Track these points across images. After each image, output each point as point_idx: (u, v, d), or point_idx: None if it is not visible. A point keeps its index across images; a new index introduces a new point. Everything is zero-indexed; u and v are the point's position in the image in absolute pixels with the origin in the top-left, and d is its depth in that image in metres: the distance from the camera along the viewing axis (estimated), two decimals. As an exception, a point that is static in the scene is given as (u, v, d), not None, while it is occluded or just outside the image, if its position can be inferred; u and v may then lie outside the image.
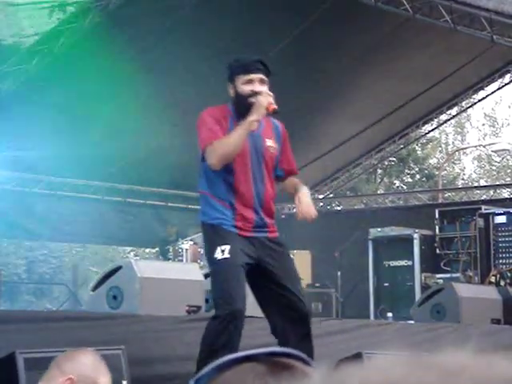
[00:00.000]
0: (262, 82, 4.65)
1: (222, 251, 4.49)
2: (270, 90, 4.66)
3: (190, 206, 14.50)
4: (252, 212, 4.64)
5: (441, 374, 0.58)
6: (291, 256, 4.90)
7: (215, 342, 4.42)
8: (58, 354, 4.06)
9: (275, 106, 4.58)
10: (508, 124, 33.75)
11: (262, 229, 4.67)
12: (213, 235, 4.61)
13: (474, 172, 32.50)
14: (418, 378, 0.58)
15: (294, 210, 4.67)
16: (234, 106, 4.70)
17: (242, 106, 4.59)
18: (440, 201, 17.17)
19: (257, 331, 5.85)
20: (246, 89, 4.61)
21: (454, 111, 15.62)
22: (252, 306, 4.91)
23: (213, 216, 4.63)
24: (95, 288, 6.35)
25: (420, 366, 0.59)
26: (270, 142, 4.78)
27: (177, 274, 6.51)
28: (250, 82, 4.62)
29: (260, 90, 4.59)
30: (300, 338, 4.56)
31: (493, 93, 15.08)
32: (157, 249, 13.52)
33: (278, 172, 4.88)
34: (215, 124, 4.62)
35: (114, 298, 6.19)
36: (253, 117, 4.52)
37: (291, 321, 4.57)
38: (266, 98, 4.55)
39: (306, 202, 4.67)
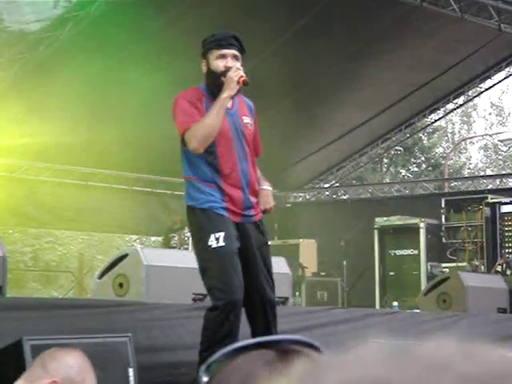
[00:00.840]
0: (235, 57, 4.56)
1: (217, 239, 4.41)
2: (244, 67, 4.59)
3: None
4: (240, 191, 4.56)
5: (425, 370, 0.56)
6: (269, 244, 4.83)
7: (216, 333, 4.39)
8: (63, 344, 4.07)
9: (245, 78, 4.49)
10: (515, 113, 33.66)
11: (249, 211, 4.61)
12: (205, 221, 4.49)
13: (481, 161, 32.45)
14: (401, 373, 0.57)
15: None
16: (206, 84, 4.61)
17: (215, 84, 4.51)
18: (446, 190, 17.15)
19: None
20: (219, 65, 4.52)
21: (460, 100, 15.59)
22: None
23: (202, 200, 4.52)
24: (101, 276, 6.36)
25: (404, 360, 0.58)
26: (246, 119, 4.70)
27: (183, 261, 6.51)
28: (223, 57, 4.54)
29: (233, 65, 4.51)
30: (264, 324, 4.56)
31: (500, 82, 15.03)
32: (162, 237, 13.53)
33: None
34: (190, 107, 4.53)
35: (120, 285, 6.20)
36: (225, 93, 4.45)
37: (259, 305, 4.56)
38: (235, 73, 4.47)
39: (264, 203, 4.67)
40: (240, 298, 4.41)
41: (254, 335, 4.52)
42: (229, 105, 4.59)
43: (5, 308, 5.08)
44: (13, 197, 12.65)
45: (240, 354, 0.93)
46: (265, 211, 4.68)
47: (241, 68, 4.52)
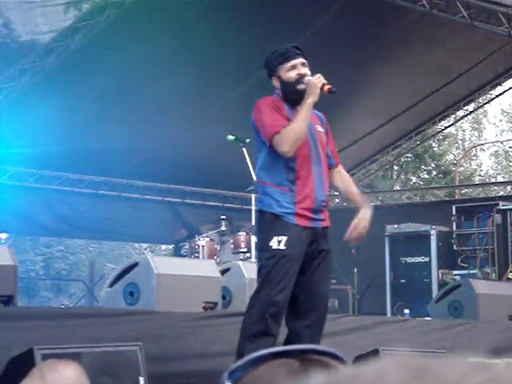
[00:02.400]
0: (303, 65, 4.72)
1: (279, 241, 4.51)
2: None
3: (206, 203, 14.52)
4: (313, 194, 4.65)
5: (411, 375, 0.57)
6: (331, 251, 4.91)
7: (250, 330, 4.46)
8: (78, 347, 4.09)
9: (330, 86, 4.66)
10: (525, 120, 33.59)
11: (319, 215, 4.70)
12: (270, 223, 4.60)
13: (491, 168, 32.36)
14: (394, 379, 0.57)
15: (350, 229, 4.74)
16: (283, 96, 4.72)
17: (292, 93, 4.65)
18: (457, 197, 17.11)
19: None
20: (292, 75, 4.66)
21: (470, 107, 15.56)
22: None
23: (272, 204, 4.62)
24: (112, 284, 6.36)
25: (418, 376, 0.58)
26: (319, 127, 4.84)
27: (193, 270, 6.51)
28: (294, 67, 4.69)
29: (305, 72, 4.67)
30: (310, 332, 4.57)
31: (510, 88, 15.00)
32: (173, 245, 13.54)
33: (329, 160, 4.93)
34: (274, 111, 4.65)
35: (131, 294, 6.20)
36: (310, 98, 4.58)
37: (308, 313, 4.58)
38: (318, 79, 4.62)
39: (361, 230, 4.83)
40: (281, 300, 4.46)
41: (290, 342, 4.53)
42: None
43: (16, 317, 5.10)
44: (24, 205, 12.69)
45: (264, 362, 0.93)
46: (349, 238, 4.69)
47: (322, 76, 4.66)
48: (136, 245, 26.40)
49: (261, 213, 4.70)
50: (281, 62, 4.71)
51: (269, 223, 4.60)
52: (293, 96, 4.64)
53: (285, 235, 4.51)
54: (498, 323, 8.11)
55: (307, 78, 4.62)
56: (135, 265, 6.30)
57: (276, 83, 4.73)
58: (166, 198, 14.31)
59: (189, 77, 11.52)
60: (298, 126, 4.55)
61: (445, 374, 0.58)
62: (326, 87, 4.63)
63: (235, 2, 10.64)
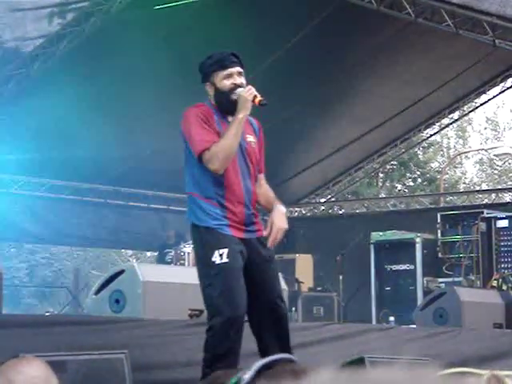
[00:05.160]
0: (240, 74, 4.60)
1: (221, 255, 4.43)
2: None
3: (191, 210, 14.50)
4: (243, 207, 4.58)
5: None
6: (275, 260, 4.83)
7: (218, 349, 4.39)
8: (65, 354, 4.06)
9: (261, 98, 4.53)
10: (510, 128, 33.76)
11: (252, 227, 4.62)
12: (208, 238, 4.51)
13: (476, 176, 32.50)
14: None
15: (277, 226, 4.56)
16: (216, 104, 4.61)
17: (226, 102, 4.53)
18: (442, 205, 17.18)
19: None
20: (227, 83, 4.55)
21: (455, 115, 15.63)
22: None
23: (205, 218, 4.54)
24: (98, 292, 6.35)
25: (354, 381, 0.60)
26: (250, 138, 4.72)
27: (179, 277, 6.50)
28: (229, 76, 4.57)
29: (240, 82, 4.55)
30: (277, 339, 4.56)
31: (495, 97, 15.08)
32: (157, 252, 13.53)
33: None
34: (204, 125, 4.54)
35: (117, 301, 6.19)
36: (241, 113, 4.47)
37: (269, 321, 4.56)
38: (248, 92, 4.50)
39: (278, 228, 4.55)
40: (241, 314, 4.40)
41: (263, 352, 4.49)
42: None
43: (0, 325, 5.07)
44: (9, 212, 12.65)
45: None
46: (271, 233, 4.53)
47: (253, 88, 4.54)
48: (121, 252, 26.33)
49: (195, 227, 4.60)
50: (216, 69, 4.60)
51: (206, 238, 4.53)
52: (226, 105, 4.54)
53: (225, 247, 4.44)
54: (483, 331, 8.13)
55: (239, 90, 4.51)
56: (121, 272, 6.29)
57: (209, 90, 4.63)
58: (151, 205, 14.30)
59: (175, 83, 11.51)
60: (229, 144, 4.45)
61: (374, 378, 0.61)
62: (257, 100, 4.51)
63: (223, 6, 10.64)
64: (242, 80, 4.57)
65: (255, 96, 4.52)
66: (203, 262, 4.53)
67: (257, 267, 4.57)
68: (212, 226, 4.51)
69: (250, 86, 4.54)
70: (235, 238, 4.52)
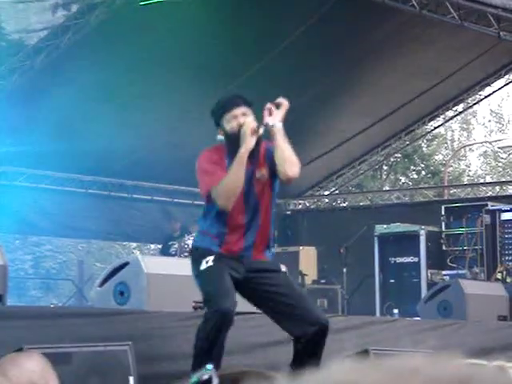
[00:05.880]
0: (244, 114, 4.73)
1: (207, 262, 4.64)
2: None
3: (195, 202, 14.51)
4: (242, 241, 4.75)
5: (394, 375, 0.60)
6: (285, 271, 4.94)
7: (204, 343, 4.53)
8: (63, 349, 4.08)
9: (254, 126, 4.66)
10: (514, 120, 33.69)
11: (249, 252, 4.78)
12: (198, 255, 4.76)
13: (480, 168, 32.45)
14: (371, 379, 0.60)
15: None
16: (227, 147, 4.78)
17: (234, 143, 4.68)
18: (446, 197, 17.16)
19: (250, 329, 5.87)
20: (233, 125, 4.71)
21: (460, 108, 15.61)
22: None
23: (200, 243, 4.82)
24: (102, 284, 6.35)
25: (374, 368, 0.61)
26: (260, 173, 4.83)
27: (183, 270, 6.50)
28: (235, 117, 4.72)
29: (242, 120, 4.68)
30: (312, 349, 4.63)
31: (499, 89, 15.06)
32: (161, 244, 13.53)
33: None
34: (214, 166, 4.72)
35: (121, 293, 6.19)
36: (242, 148, 4.62)
37: (308, 334, 4.64)
38: (247, 126, 4.65)
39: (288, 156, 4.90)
40: (228, 307, 4.50)
41: (301, 363, 4.59)
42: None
43: (5, 317, 5.09)
44: (13, 205, 12.66)
45: None
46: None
47: (251, 120, 4.68)
48: (125, 244, 26.37)
49: (193, 250, 4.92)
50: (223, 113, 4.78)
51: (195, 256, 4.79)
52: (234, 146, 4.67)
53: (211, 255, 4.67)
54: (487, 323, 8.13)
55: (242, 129, 4.67)
56: (125, 264, 6.29)
57: (221, 134, 4.81)
58: (155, 198, 14.30)
59: (178, 76, 11.51)
60: (231, 180, 4.63)
61: (396, 361, 0.62)
62: (253, 130, 4.66)
63: (224, 1, 10.63)
64: (248, 119, 4.70)
65: (253, 129, 4.65)
66: (195, 276, 4.77)
67: (261, 282, 4.71)
68: (203, 246, 4.76)
69: (247, 120, 4.67)
70: (226, 254, 4.72)
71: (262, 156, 4.84)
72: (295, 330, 4.67)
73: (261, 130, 4.69)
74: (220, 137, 5.62)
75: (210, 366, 1.40)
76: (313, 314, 4.72)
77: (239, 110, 4.74)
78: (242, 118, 4.70)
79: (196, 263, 4.75)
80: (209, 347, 4.49)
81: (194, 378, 1.09)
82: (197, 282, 4.77)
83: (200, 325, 4.60)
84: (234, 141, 4.68)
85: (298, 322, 4.64)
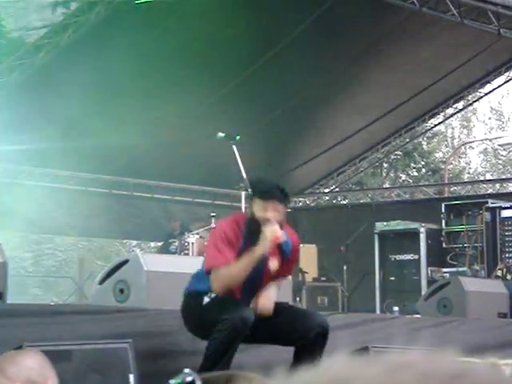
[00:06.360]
0: (275, 209, 4.77)
1: (209, 296, 4.71)
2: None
3: (195, 200, 14.52)
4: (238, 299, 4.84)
5: (387, 370, 0.60)
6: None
7: (220, 346, 4.57)
8: (57, 347, 4.07)
9: (280, 240, 4.74)
10: (514, 118, 33.66)
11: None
12: (195, 296, 4.81)
13: (480, 166, 32.44)
14: (364, 374, 0.60)
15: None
16: (248, 223, 4.85)
17: (254, 228, 4.75)
18: (446, 195, 17.15)
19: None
20: (261, 213, 4.76)
21: (460, 105, 15.60)
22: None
23: (198, 288, 4.84)
24: (102, 281, 6.36)
25: (367, 364, 0.62)
26: (272, 264, 4.88)
27: (184, 267, 6.50)
28: (265, 208, 4.78)
29: (270, 217, 4.72)
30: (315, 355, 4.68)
31: (499, 86, 15.05)
32: (162, 242, 13.52)
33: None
34: (227, 244, 4.75)
35: (121, 291, 6.19)
36: (259, 251, 4.68)
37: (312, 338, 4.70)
38: (272, 232, 4.69)
39: (265, 296, 4.82)
40: (248, 314, 4.56)
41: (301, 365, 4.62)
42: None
43: (6, 314, 5.09)
44: (13, 202, 12.65)
45: None
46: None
47: (278, 229, 4.72)
48: (125, 242, 26.36)
49: (183, 300, 4.90)
50: (257, 197, 4.83)
51: (193, 296, 4.83)
52: (254, 231, 4.74)
53: (211, 292, 4.71)
54: (487, 320, 8.14)
55: (268, 224, 4.71)
56: (125, 262, 6.29)
57: (248, 208, 4.93)
58: (155, 195, 14.30)
59: (179, 73, 11.51)
60: (237, 274, 4.69)
61: (391, 356, 0.63)
62: (277, 241, 4.73)
63: (225, 1, 10.63)
64: (276, 215, 4.75)
65: (277, 237, 4.72)
66: (202, 316, 4.74)
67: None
68: (199, 289, 4.79)
69: (274, 227, 4.71)
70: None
71: (277, 246, 4.88)
72: (299, 341, 4.74)
73: (279, 241, 4.74)
74: (220, 134, 5.63)
75: (189, 370, 1.41)
76: (312, 319, 4.76)
77: (272, 204, 4.78)
78: (271, 213, 4.74)
79: (195, 303, 4.77)
80: (223, 351, 4.53)
81: (178, 379, 1.10)
82: (198, 320, 4.77)
83: (217, 328, 4.61)
84: (254, 225, 4.75)
85: (300, 333, 4.71)
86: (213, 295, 4.68)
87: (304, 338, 4.69)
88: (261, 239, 4.69)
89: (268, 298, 4.85)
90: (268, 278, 4.89)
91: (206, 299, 4.69)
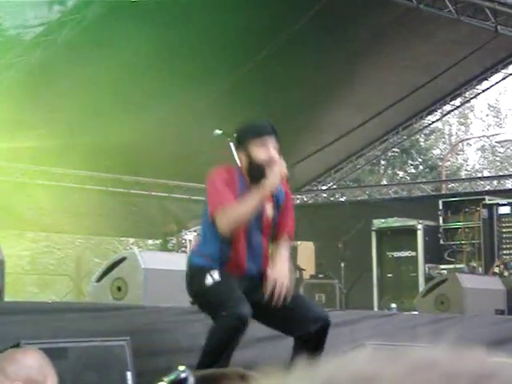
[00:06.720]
0: (273, 145, 4.67)
1: (212, 276, 4.56)
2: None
3: (192, 197, 14.51)
4: (242, 271, 4.70)
5: (411, 369, 0.59)
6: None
7: (218, 343, 4.49)
8: (55, 345, 4.07)
9: (287, 174, 4.66)
10: (512, 114, 33.69)
11: (250, 272, 4.75)
12: (198, 271, 4.68)
13: (478, 163, 32.46)
14: (388, 372, 0.59)
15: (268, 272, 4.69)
16: (248, 172, 4.70)
17: (256, 171, 4.61)
18: (443, 191, 17.17)
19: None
20: (262, 154, 4.62)
21: (457, 102, 15.60)
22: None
23: (199, 260, 4.73)
24: (99, 279, 6.35)
25: (390, 361, 0.60)
26: (269, 209, 4.78)
27: (181, 265, 6.49)
28: (265, 146, 4.64)
29: (276, 157, 4.62)
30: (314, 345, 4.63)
31: (496, 83, 15.05)
32: (160, 240, 13.52)
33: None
34: (225, 186, 4.63)
35: (118, 289, 6.19)
36: (268, 188, 4.56)
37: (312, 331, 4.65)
38: (282, 169, 4.61)
39: (279, 269, 4.67)
40: (246, 311, 4.45)
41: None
42: None
43: (3, 312, 5.08)
44: (10, 200, 12.64)
45: None
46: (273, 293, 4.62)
47: (284, 167, 4.63)
48: (122, 239, 26.35)
49: (188, 272, 4.78)
50: (253, 137, 4.67)
51: (196, 274, 4.69)
52: (255, 174, 4.61)
53: (216, 269, 4.58)
54: (484, 317, 8.14)
55: (275, 168, 4.60)
56: (122, 259, 6.29)
57: (242, 157, 4.71)
58: (152, 193, 14.29)
59: (175, 71, 11.50)
60: (244, 210, 4.55)
61: (415, 354, 0.61)
62: (285, 176, 4.66)
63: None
64: (276, 155, 4.64)
65: (284, 173, 4.64)
66: (197, 290, 4.67)
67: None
68: (201, 263, 4.66)
69: (282, 164, 4.62)
70: (226, 272, 4.65)
71: (270, 196, 4.80)
72: (297, 332, 4.68)
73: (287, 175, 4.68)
74: (218, 131, 5.58)
75: (183, 367, 1.40)
76: (314, 312, 4.72)
77: (271, 140, 4.67)
78: (273, 152, 4.62)
79: (198, 280, 4.64)
80: (221, 349, 4.45)
81: (172, 376, 1.11)
82: (202, 300, 4.68)
83: (215, 325, 4.55)
84: (256, 168, 4.62)
85: (300, 323, 4.65)
86: (216, 276, 4.54)
87: (303, 329, 4.64)
88: (269, 178, 4.55)
89: (282, 262, 4.72)
90: (269, 228, 4.76)
91: (209, 280, 4.55)
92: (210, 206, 4.64)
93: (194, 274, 4.72)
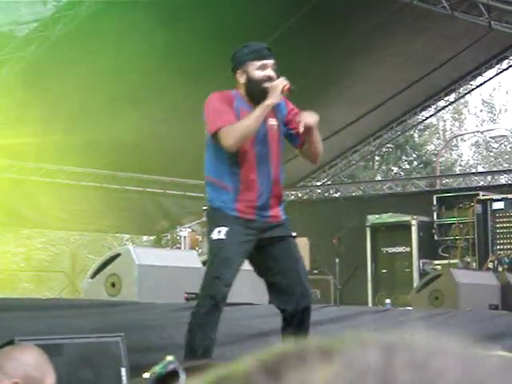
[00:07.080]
0: (273, 67, 4.71)
1: (219, 232, 4.54)
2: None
3: (187, 194, 14.51)
4: (255, 194, 4.65)
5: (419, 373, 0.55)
6: (294, 241, 4.93)
7: (196, 329, 4.55)
8: (54, 341, 4.07)
9: (289, 85, 4.65)
10: (506, 110, 33.76)
11: (265, 212, 4.69)
12: (213, 217, 4.67)
13: (472, 158, 32.50)
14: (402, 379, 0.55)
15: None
16: (246, 93, 4.70)
17: (257, 91, 4.62)
18: (438, 187, 17.19)
19: (252, 319, 5.87)
20: (260, 74, 4.65)
21: (451, 97, 15.61)
22: (249, 293, 4.92)
23: (216, 199, 4.66)
24: (94, 275, 6.36)
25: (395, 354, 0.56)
26: (272, 121, 4.78)
27: (175, 261, 6.51)
28: (264, 67, 4.67)
29: (273, 75, 4.67)
30: (297, 326, 4.61)
31: (491, 79, 15.06)
32: (155, 236, 13.51)
33: (294, 142, 4.96)
34: (224, 105, 4.64)
35: (113, 285, 6.20)
36: (270, 100, 4.58)
37: (293, 307, 4.62)
38: (281, 82, 4.63)
39: (306, 113, 4.83)
40: (222, 294, 4.50)
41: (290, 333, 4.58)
42: None
43: (-3, 309, 5.08)
44: (5, 197, 12.63)
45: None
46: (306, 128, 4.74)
47: (285, 80, 4.67)
48: (117, 236, 26.34)
49: (208, 208, 4.81)
50: (252, 59, 4.69)
51: (211, 216, 4.72)
52: (256, 94, 4.63)
53: (225, 226, 4.56)
54: (479, 312, 8.16)
55: (274, 82, 4.64)
56: (117, 256, 6.30)
57: (240, 78, 4.71)
58: (147, 189, 14.28)
59: (170, 68, 11.49)
60: (250, 124, 4.55)
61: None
62: (286, 87, 4.65)
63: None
64: (274, 74, 4.69)
65: (285, 85, 4.64)
66: (208, 240, 4.73)
67: (276, 243, 4.66)
68: (218, 205, 4.63)
69: (282, 78, 4.67)
70: (241, 219, 4.59)
71: (271, 109, 4.79)
72: (280, 304, 4.68)
73: (290, 88, 4.67)
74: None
75: (172, 358, 1.40)
76: (298, 290, 4.67)
77: (270, 61, 4.71)
78: (271, 71, 4.66)
79: (209, 226, 4.69)
80: (201, 333, 4.50)
81: (159, 367, 1.11)
82: (208, 251, 4.75)
83: (193, 311, 4.63)
84: (255, 89, 4.64)
85: (285, 296, 4.64)
86: (222, 234, 4.52)
87: (286, 303, 4.63)
88: (270, 91, 4.58)
89: (309, 115, 4.83)
90: (273, 137, 4.76)
91: (216, 234, 4.54)
92: (210, 126, 4.63)
93: (209, 215, 4.78)
